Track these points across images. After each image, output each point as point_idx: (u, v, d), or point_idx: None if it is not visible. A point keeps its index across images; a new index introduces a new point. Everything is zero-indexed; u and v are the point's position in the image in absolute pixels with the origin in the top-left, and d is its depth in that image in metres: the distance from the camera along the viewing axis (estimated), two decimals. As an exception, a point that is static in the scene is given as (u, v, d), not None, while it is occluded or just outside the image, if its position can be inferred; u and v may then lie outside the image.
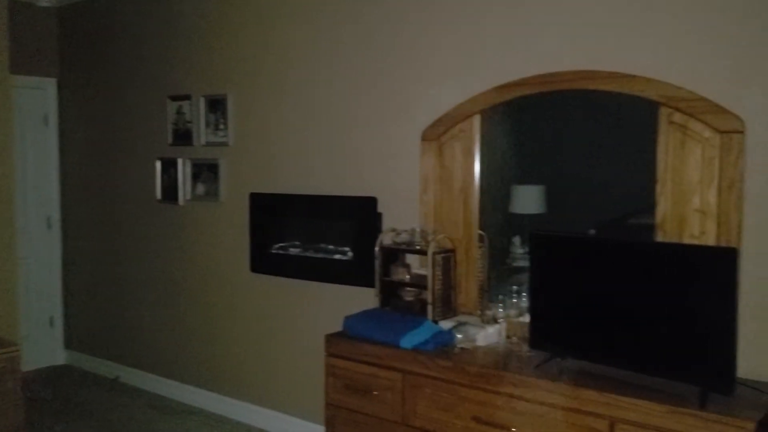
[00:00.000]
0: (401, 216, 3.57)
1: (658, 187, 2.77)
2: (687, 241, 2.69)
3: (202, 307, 4.70)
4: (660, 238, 2.76)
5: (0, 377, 3.79)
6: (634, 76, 2.79)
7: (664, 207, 2.76)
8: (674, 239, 2.72)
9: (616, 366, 2.61)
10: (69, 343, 5.78)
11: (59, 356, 5.78)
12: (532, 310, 2.85)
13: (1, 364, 3.80)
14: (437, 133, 3.40)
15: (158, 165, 4.84)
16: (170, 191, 4.77)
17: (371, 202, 3.69)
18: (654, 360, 2.51)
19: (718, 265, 2.36)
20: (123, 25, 5.10)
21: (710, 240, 2.64)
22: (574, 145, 3.21)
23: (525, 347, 2.89)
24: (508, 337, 3.03)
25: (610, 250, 2.69)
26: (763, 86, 2.58)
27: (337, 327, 3.31)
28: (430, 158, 3.44)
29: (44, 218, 5.65)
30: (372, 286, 3.46)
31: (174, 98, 4.71)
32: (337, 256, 3.89)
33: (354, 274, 3.76)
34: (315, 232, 4.03)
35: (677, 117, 2.70)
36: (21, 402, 3.88)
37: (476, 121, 3.28)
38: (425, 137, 3.45)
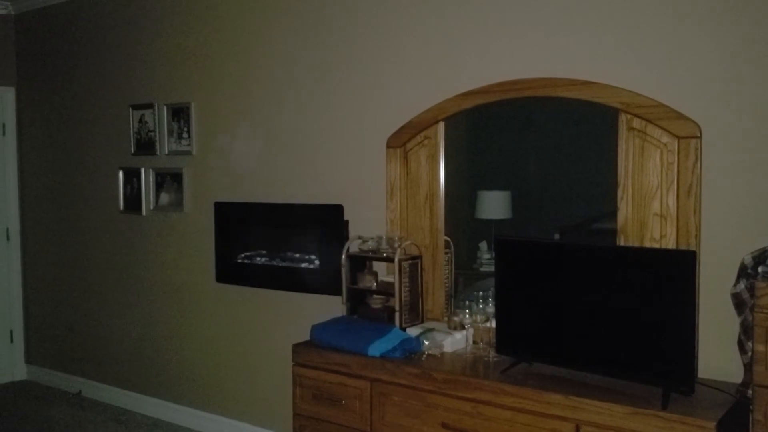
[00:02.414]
0: (368, 223, 3.57)
1: (619, 192, 2.82)
2: (648, 244, 2.74)
3: (167, 318, 4.64)
4: (621, 242, 2.81)
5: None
6: (593, 83, 2.84)
7: (625, 211, 2.81)
8: (635, 243, 2.77)
9: (580, 369, 2.64)
10: (30, 358, 5.66)
11: (19, 371, 5.65)
12: (498, 315, 2.87)
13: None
14: (402, 140, 3.41)
15: (121, 175, 4.77)
16: (133, 201, 4.71)
17: (337, 209, 3.68)
18: (617, 362, 2.54)
19: (677, 268, 2.40)
20: (83, 32, 5.02)
21: (670, 243, 2.69)
22: (538, 151, 3.25)
23: (492, 352, 2.91)
24: (475, 342, 3.05)
25: (573, 255, 2.72)
26: (719, 91, 2.64)
27: (305, 336, 3.29)
28: (396, 165, 3.45)
29: (2, 230, 5.53)
30: (339, 294, 3.45)
31: (136, 107, 4.65)
32: (304, 265, 3.87)
33: (321, 282, 3.74)
34: (281, 241, 4.00)
35: (636, 123, 2.76)
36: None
37: (440, 128, 3.30)
38: (390, 144, 3.46)
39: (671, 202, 2.70)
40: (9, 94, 5.51)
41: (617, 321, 2.54)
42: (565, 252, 2.77)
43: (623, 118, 2.78)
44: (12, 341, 5.60)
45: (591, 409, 2.41)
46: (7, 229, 5.55)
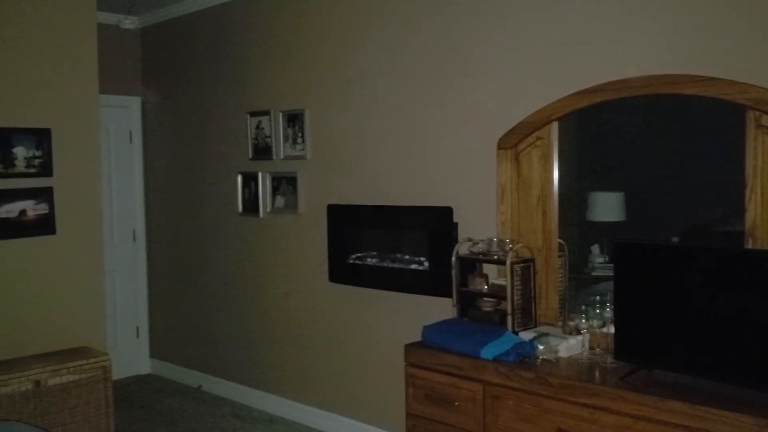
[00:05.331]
0: (477, 226, 3.56)
1: (747, 193, 2.68)
2: (779, 248, 2.60)
3: (283, 316, 4.80)
4: (750, 244, 2.67)
5: (92, 386, 3.98)
6: (718, 80, 2.72)
7: (753, 213, 2.67)
8: (765, 246, 2.63)
9: (704, 377, 2.53)
10: (154, 353, 5.99)
11: (144, 365, 5.99)
12: (617, 320, 2.80)
13: (93, 372, 4.00)
14: (513, 141, 3.38)
15: (239, 179, 4.98)
16: (251, 204, 4.91)
17: (447, 212, 3.70)
18: (744, 370, 2.42)
19: (814, 273, 2.27)
20: (203, 44, 5.28)
21: (804, 247, 2.54)
22: (654, 150, 3.15)
23: (609, 358, 2.83)
24: (591, 348, 2.98)
25: (698, 258, 2.62)
26: None
27: (415, 337, 3.32)
28: (507, 167, 3.42)
29: (129, 231, 5.88)
30: (449, 296, 3.46)
31: (253, 114, 4.84)
32: (414, 266, 3.91)
33: (430, 284, 3.77)
34: (391, 242, 4.06)
35: (766, 120, 2.62)
36: (112, 410, 4.06)
37: (554, 128, 3.25)
38: (501, 145, 3.44)
39: (805, 203, 2.55)
40: (135, 104, 5.87)
41: (745, 327, 2.43)
42: (689, 255, 2.67)
43: (751, 115, 2.65)
44: (138, 337, 5.95)
45: (717, 419, 2.30)
46: (134, 231, 5.90)
